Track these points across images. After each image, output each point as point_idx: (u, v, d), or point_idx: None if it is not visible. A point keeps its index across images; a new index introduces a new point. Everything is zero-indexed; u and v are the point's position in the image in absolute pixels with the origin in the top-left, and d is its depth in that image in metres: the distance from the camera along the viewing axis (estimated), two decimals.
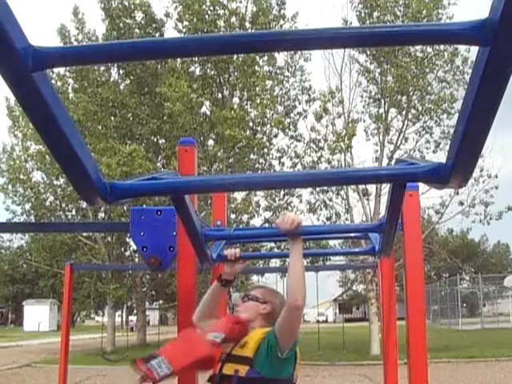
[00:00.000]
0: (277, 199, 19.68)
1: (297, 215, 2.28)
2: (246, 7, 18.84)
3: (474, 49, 1.06)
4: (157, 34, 20.26)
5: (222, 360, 2.30)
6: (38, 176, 21.70)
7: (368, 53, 18.30)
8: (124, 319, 44.98)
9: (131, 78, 20.90)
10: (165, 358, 2.00)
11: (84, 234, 20.39)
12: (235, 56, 17.00)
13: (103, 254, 20.70)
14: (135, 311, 32.21)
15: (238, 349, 2.30)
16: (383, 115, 18.54)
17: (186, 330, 2.28)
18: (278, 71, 19.70)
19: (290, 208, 19.63)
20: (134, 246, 19.95)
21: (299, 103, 19.58)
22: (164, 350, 2.10)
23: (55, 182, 21.33)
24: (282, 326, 2.19)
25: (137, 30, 20.24)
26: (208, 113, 18.98)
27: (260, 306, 2.42)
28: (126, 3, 20.16)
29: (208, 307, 2.49)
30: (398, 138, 18.89)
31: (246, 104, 19.22)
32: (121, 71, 21.13)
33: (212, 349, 2.15)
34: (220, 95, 19.37)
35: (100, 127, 19.76)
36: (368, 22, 18.05)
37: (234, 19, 18.54)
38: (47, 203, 21.79)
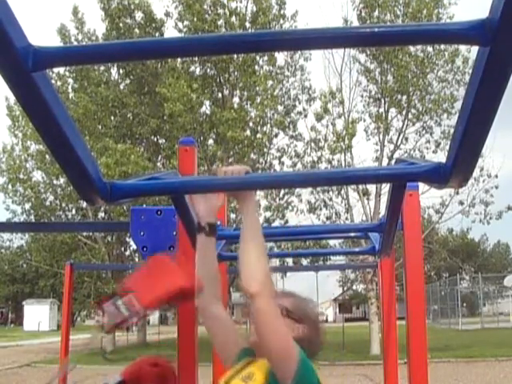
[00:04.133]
0: (277, 199, 19.68)
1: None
2: (246, 7, 18.86)
3: (474, 49, 1.06)
4: (157, 34, 20.26)
5: None
6: (37, 176, 21.72)
7: (368, 52, 18.31)
8: None
9: (131, 77, 20.90)
10: (132, 296, 1.51)
11: (84, 234, 20.38)
12: (235, 56, 17.00)
13: (103, 253, 20.70)
14: None
15: (239, 382, 1.61)
16: (383, 115, 18.55)
17: (155, 258, 1.67)
18: (279, 71, 19.71)
19: (290, 208, 19.65)
20: (134, 246, 19.96)
21: (299, 103, 19.64)
22: (131, 283, 1.57)
23: (55, 182, 21.32)
24: (260, 340, 1.53)
25: (137, 30, 20.24)
26: (208, 113, 18.99)
27: (293, 325, 1.67)
28: (126, 3, 20.16)
29: (203, 270, 1.83)
30: (398, 138, 18.92)
31: (246, 104, 19.23)
32: (121, 71, 21.13)
33: (189, 281, 1.62)
34: (220, 95, 19.37)
35: (100, 127, 19.77)
36: (368, 21, 18.07)
37: (234, 19, 18.55)
38: (47, 203, 21.78)
